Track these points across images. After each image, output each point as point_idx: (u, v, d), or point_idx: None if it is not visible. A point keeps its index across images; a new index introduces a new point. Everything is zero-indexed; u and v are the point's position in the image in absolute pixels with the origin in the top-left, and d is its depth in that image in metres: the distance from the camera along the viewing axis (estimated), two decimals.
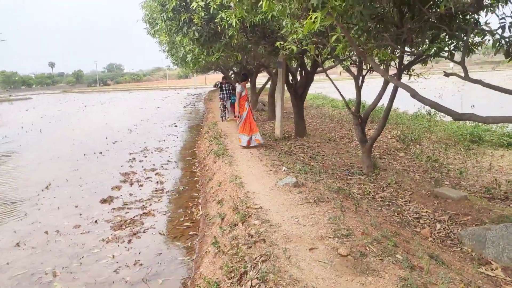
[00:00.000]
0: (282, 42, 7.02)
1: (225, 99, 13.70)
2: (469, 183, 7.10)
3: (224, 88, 13.66)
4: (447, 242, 4.48)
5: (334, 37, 5.78)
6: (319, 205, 4.70)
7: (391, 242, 3.75)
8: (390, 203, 5.77)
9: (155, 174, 8.82)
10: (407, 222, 5.01)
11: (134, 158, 10.52)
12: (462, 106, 17.37)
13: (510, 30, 4.58)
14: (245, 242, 3.73)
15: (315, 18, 5.01)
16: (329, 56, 7.55)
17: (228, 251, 3.72)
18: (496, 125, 10.63)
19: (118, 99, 38.53)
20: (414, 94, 4.27)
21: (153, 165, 9.74)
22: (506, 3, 4.83)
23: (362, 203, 5.31)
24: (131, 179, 8.45)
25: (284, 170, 6.59)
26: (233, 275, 3.27)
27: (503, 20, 4.59)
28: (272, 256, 3.37)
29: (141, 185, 8.00)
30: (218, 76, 59.70)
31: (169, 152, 11.45)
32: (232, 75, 26.94)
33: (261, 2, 4.80)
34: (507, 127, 10.42)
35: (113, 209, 6.66)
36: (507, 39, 4.69)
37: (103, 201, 7.07)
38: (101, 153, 11.47)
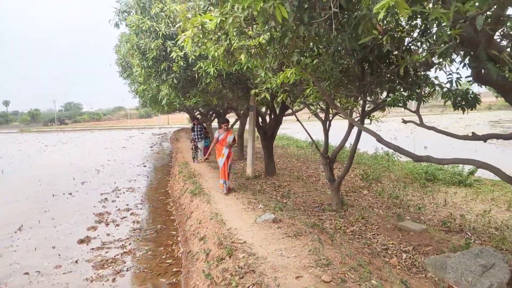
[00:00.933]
0: (257, 90, 7.67)
1: (197, 140, 13.83)
2: (427, 218, 7.79)
3: (195, 129, 13.82)
4: (413, 269, 5.00)
5: (308, 90, 6.50)
6: (298, 238, 5.12)
7: (366, 270, 4.22)
8: (360, 236, 6.28)
9: (130, 214, 8.90)
10: (376, 253, 5.51)
11: (106, 199, 10.51)
12: (415, 147, 18.76)
13: (456, 84, 5.44)
14: (236, 273, 4.06)
15: (291, 73, 5.70)
16: (299, 102, 8.25)
17: (220, 282, 4.01)
18: (448, 165, 11.68)
19: (80, 139, 37.69)
20: (380, 139, 4.93)
21: (127, 205, 9.80)
22: (451, 63, 5.72)
23: (336, 237, 5.78)
24: (106, 219, 8.47)
25: (260, 207, 7.00)
26: None
27: (450, 76, 5.45)
28: (263, 285, 3.71)
29: (118, 225, 8.06)
30: (181, 116, 60.20)
31: (141, 192, 11.53)
32: (198, 116, 27.49)
33: (241, 57, 5.35)
34: (458, 167, 11.47)
35: (92, 249, 6.70)
36: (453, 92, 5.53)
37: (81, 241, 7.08)
38: (70, 193, 11.33)
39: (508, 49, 4.37)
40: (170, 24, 7.96)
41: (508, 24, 4.17)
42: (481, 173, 11.30)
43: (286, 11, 3.38)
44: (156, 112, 30.51)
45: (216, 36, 4.54)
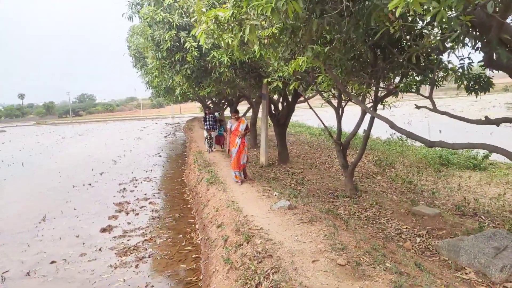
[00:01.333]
0: (269, 79, 7.75)
1: (208, 130, 13.55)
2: (441, 202, 7.85)
3: (207, 119, 13.53)
4: (426, 253, 5.12)
5: (320, 78, 6.57)
6: (313, 224, 5.26)
7: (380, 253, 4.35)
8: (374, 222, 6.40)
9: (149, 203, 9.17)
10: (390, 237, 5.63)
11: (124, 189, 10.81)
12: (429, 132, 18.61)
13: (468, 70, 5.44)
14: (255, 258, 4.23)
15: (302, 61, 5.77)
16: (312, 90, 8.32)
17: (240, 266, 4.20)
18: (462, 150, 11.63)
19: (96, 130, 38.33)
20: (392, 125, 5.00)
21: (145, 194, 10.08)
22: (464, 47, 5.71)
23: (350, 222, 5.91)
24: (126, 209, 8.76)
25: (275, 195, 7.15)
26: (249, 286, 3.75)
27: (462, 62, 5.46)
28: (281, 268, 3.88)
29: (137, 214, 8.33)
30: (192, 105, 60.55)
31: (157, 181, 11.81)
32: (211, 104, 27.66)
33: (255, 47, 5.44)
34: (471, 151, 11.41)
35: (114, 237, 6.98)
36: (466, 76, 5.54)
37: (103, 230, 7.37)
38: (90, 184, 11.68)
39: None
40: (183, 15, 8.06)
41: None
42: (496, 156, 11.22)
43: (299, 6, 3.45)
44: (168, 102, 30.82)
45: (230, 27, 4.63)
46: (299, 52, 5.16)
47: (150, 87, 18.82)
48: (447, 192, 8.59)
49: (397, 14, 2.95)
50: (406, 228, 6.07)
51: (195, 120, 38.15)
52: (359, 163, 11.49)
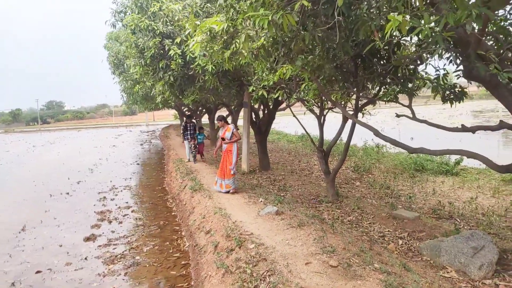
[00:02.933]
0: (254, 88, 7.94)
1: (189, 139, 12.87)
2: (418, 206, 8.21)
3: (188, 128, 12.82)
4: (409, 254, 5.38)
5: (303, 86, 6.81)
6: (302, 228, 5.43)
7: (367, 255, 4.56)
8: (357, 225, 6.64)
9: (131, 211, 9.09)
10: (374, 240, 5.87)
11: (104, 197, 10.65)
12: (400, 138, 19.27)
13: (443, 80, 5.80)
14: (249, 262, 4.35)
15: (287, 69, 5.99)
16: (295, 98, 8.55)
17: (235, 270, 4.30)
18: (436, 156, 12.16)
19: (68, 138, 37.27)
20: (377, 133, 5.26)
21: (126, 202, 9.98)
22: (441, 58, 6.08)
23: (335, 226, 6.12)
24: (108, 217, 8.65)
25: (261, 201, 7.29)
26: None
27: (437, 73, 5.81)
28: (276, 271, 4.02)
29: (121, 222, 8.25)
30: (166, 113, 59.99)
31: (138, 189, 11.71)
32: (187, 112, 27.57)
33: (246, 58, 5.59)
34: (444, 157, 11.95)
35: (99, 246, 6.89)
36: (442, 86, 5.90)
37: (87, 239, 7.27)
38: (68, 193, 11.43)
39: (495, 46, 4.76)
40: (168, 23, 8.14)
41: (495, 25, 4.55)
42: (466, 162, 11.82)
43: (294, 20, 3.64)
44: (144, 109, 30.47)
45: (223, 39, 4.78)
46: (288, 62, 5.36)
47: (127, 94, 18.66)
48: (422, 197, 8.98)
49: (386, 36, 3.20)
50: (388, 231, 6.34)
51: (170, 128, 37.85)
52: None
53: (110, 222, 8.34)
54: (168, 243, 6.94)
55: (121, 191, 11.49)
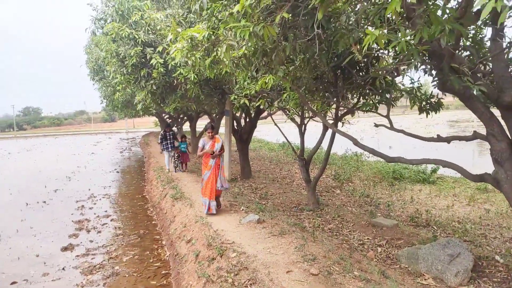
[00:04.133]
0: (236, 96, 7.98)
1: (169, 149, 12.28)
2: (396, 214, 8.37)
3: (168, 137, 12.26)
4: (388, 261, 5.47)
5: (284, 95, 6.89)
6: (283, 237, 5.47)
7: (347, 263, 4.63)
8: (338, 233, 6.72)
9: (111, 220, 8.94)
10: (354, 248, 5.95)
11: (83, 206, 10.44)
12: (379, 147, 19.68)
13: (417, 91, 5.99)
14: (231, 271, 4.34)
15: (269, 79, 6.06)
16: (276, 107, 8.63)
17: (216, 280, 4.29)
18: (413, 165, 12.43)
19: (44, 145, 36.34)
20: (356, 143, 5.37)
21: (105, 211, 9.81)
22: (417, 70, 6.27)
23: (316, 234, 6.17)
24: (86, 226, 8.49)
25: (243, 209, 7.30)
26: None
27: (411, 85, 6.00)
28: (258, 280, 4.03)
29: (99, 232, 8.10)
30: (146, 120, 59.40)
31: (117, 198, 11.52)
32: (168, 120, 27.35)
33: (227, 67, 5.63)
34: (421, 166, 12.23)
35: (77, 256, 6.76)
36: (419, 97, 6.08)
37: (64, 249, 7.11)
38: (45, 202, 11.15)
39: (467, 59, 4.95)
40: (149, 32, 8.12)
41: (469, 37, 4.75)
42: (443, 171, 12.12)
43: (274, 31, 3.71)
44: (124, 116, 30.10)
45: (204, 47, 4.81)
46: (269, 72, 5.43)
47: (107, 100, 18.41)
48: (401, 204, 9.16)
49: (364, 49, 3.30)
50: (368, 238, 6.44)
51: (150, 135, 37.44)
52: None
53: (88, 231, 8.18)
54: (148, 252, 6.86)
55: (100, 199, 11.28)
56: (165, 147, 12.29)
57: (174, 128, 16.77)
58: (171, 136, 12.34)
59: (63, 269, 6.19)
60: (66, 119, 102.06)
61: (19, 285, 5.64)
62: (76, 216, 9.38)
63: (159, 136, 12.62)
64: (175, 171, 12.39)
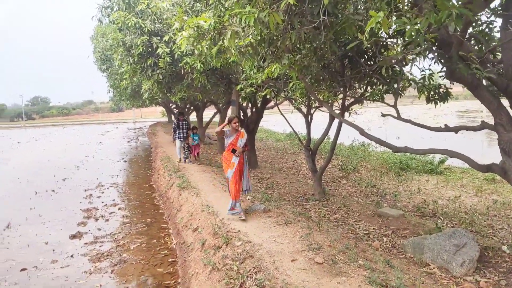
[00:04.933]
0: (242, 85, 7.96)
1: (182, 139, 11.79)
2: (403, 204, 8.34)
3: (181, 126, 11.72)
4: (393, 251, 5.47)
5: (291, 84, 6.86)
6: (289, 226, 5.49)
7: (352, 252, 4.64)
8: (343, 223, 6.72)
9: (118, 209, 9.03)
10: (359, 237, 5.96)
11: (91, 195, 10.55)
12: (387, 137, 19.56)
13: (429, 80, 5.91)
14: (236, 259, 4.38)
15: (275, 68, 6.03)
16: (283, 97, 8.60)
17: (222, 267, 4.33)
18: (420, 155, 12.36)
19: (53, 135, 36.72)
20: (362, 132, 5.34)
21: (113, 200, 9.91)
22: (425, 59, 6.19)
23: (322, 224, 6.18)
24: (94, 215, 8.58)
25: (249, 199, 7.32)
26: (233, 285, 3.89)
27: (423, 73, 5.92)
28: (263, 268, 4.06)
29: (107, 220, 8.20)
30: (154, 110, 59.65)
31: (125, 187, 11.62)
32: (175, 109, 27.38)
33: (233, 56, 5.61)
34: (428, 156, 12.16)
35: (86, 243, 6.84)
36: (427, 87, 6.01)
37: (73, 236, 7.21)
38: (53, 190, 11.29)
39: (476, 48, 4.88)
40: (156, 21, 8.10)
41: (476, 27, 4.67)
42: (450, 161, 12.05)
43: (280, 18, 3.68)
44: (131, 106, 30.23)
45: (210, 35, 4.79)
46: (275, 60, 5.40)
47: (114, 90, 18.47)
48: (407, 195, 9.12)
49: (366, 34, 3.26)
50: (373, 228, 6.43)
51: (158, 125, 37.59)
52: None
53: (96, 219, 8.28)
54: (155, 240, 6.92)
55: (108, 188, 11.39)
56: (178, 136, 11.79)
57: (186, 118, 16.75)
58: (185, 126, 11.82)
59: (72, 256, 6.28)
60: (74, 109, 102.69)
61: (29, 271, 5.74)
62: (84, 205, 9.49)
63: (173, 125, 12.21)
64: (185, 162, 12.10)
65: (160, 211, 8.80)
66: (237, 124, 6.20)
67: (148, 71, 8.65)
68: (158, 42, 8.11)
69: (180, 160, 12.22)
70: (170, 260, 6.02)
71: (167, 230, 7.47)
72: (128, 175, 13.76)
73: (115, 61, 10.36)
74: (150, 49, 8.37)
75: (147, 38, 8.17)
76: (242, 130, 6.35)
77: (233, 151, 6.20)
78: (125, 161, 17.29)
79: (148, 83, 8.97)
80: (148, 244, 6.75)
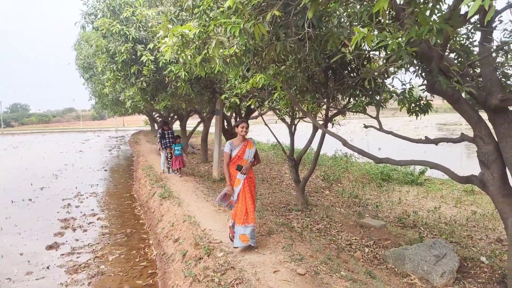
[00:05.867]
0: (227, 95, 7.95)
1: (168, 148, 11.39)
2: (384, 215, 8.42)
3: (166, 136, 11.42)
4: (375, 261, 5.49)
5: (275, 95, 6.88)
6: (271, 236, 5.45)
7: (335, 263, 4.64)
8: (326, 234, 6.72)
9: (97, 219, 8.82)
10: (342, 248, 5.96)
11: (69, 204, 10.29)
12: (369, 149, 19.82)
13: (409, 94, 6.03)
14: (217, 270, 4.31)
15: (260, 78, 6.05)
16: (267, 107, 8.61)
17: (203, 279, 4.25)
18: (401, 166, 12.53)
19: (32, 143, 35.82)
20: (345, 143, 5.38)
21: (92, 210, 9.68)
22: (406, 72, 6.32)
23: (304, 234, 6.17)
24: (72, 225, 8.36)
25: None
26: None
27: (404, 86, 6.04)
28: (244, 279, 4.00)
29: (85, 230, 7.99)
30: (136, 118, 58.99)
31: (105, 196, 11.39)
32: (158, 118, 27.12)
33: (218, 65, 5.59)
34: (409, 167, 12.35)
35: (62, 254, 6.65)
36: (408, 99, 6.13)
37: (49, 247, 6.99)
38: (30, 200, 10.97)
39: (456, 62, 5.00)
40: (141, 28, 8.05)
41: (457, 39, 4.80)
42: (430, 172, 12.27)
43: (265, 29, 3.69)
44: (114, 114, 29.83)
45: (195, 44, 4.77)
46: (260, 71, 5.41)
47: (96, 98, 18.19)
48: (389, 205, 9.22)
49: (351, 48, 3.31)
50: (355, 239, 6.46)
51: (140, 133, 37.18)
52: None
53: (74, 230, 8.07)
54: (135, 251, 6.78)
55: (87, 198, 11.14)
56: (164, 146, 11.47)
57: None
58: (170, 135, 11.46)
59: (48, 267, 6.09)
60: (55, 116, 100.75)
61: (2, 283, 5.53)
62: (62, 215, 9.24)
63: (158, 135, 11.81)
64: (168, 172, 11.68)
65: (141, 221, 8.64)
66: (245, 129, 5.00)
67: (132, 79, 8.55)
68: (143, 50, 8.04)
69: (164, 171, 11.90)
70: (150, 271, 5.89)
71: (147, 241, 7.32)
72: (108, 185, 13.49)
73: (98, 68, 10.21)
74: (134, 56, 8.30)
75: (131, 45, 8.10)
76: (251, 139, 5.22)
77: (239, 168, 4.94)
78: (105, 170, 16.98)
79: (131, 90, 8.85)
80: (128, 255, 6.60)
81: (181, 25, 7.20)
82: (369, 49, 5.95)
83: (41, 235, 7.71)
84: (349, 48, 4.32)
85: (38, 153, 25.12)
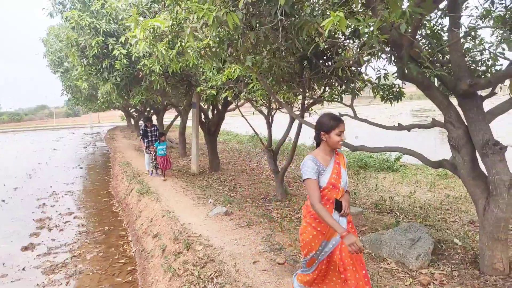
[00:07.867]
0: (202, 88, 7.87)
1: (151, 146, 10.25)
2: (362, 201, 8.56)
3: (149, 134, 10.34)
4: None
5: (251, 85, 6.86)
6: (251, 228, 5.47)
7: None
8: None
9: (74, 218, 8.64)
10: None
11: (44, 204, 10.04)
12: (345, 137, 20.07)
13: (384, 79, 6.11)
14: (197, 264, 4.30)
15: (234, 69, 6.01)
16: (243, 98, 8.59)
17: (182, 273, 4.23)
18: (377, 153, 12.77)
19: (3, 142, 34.67)
20: None
21: (68, 209, 9.47)
22: (378, 60, 6.39)
23: (283, 224, 6.21)
24: (48, 225, 8.17)
25: (210, 202, 7.25)
26: None
27: (378, 72, 6.11)
28: (224, 271, 4.01)
29: (62, 230, 7.82)
30: (112, 114, 57.71)
31: (81, 194, 11.16)
32: (134, 113, 26.64)
33: (192, 58, 5.51)
34: (385, 154, 12.58)
35: (38, 255, 6.50)
36: (381, 87, 6.22)
37: (25, 248, 6.82)
38: (3, 200, 10.63)
39: (427, 49, 5.10)
40: (111, 21, 7.84)
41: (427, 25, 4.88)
42: (405, 159, 12.52)
43: (238, 18, 3.65)
44: (88, 111, 29.13)
45: (168, 38, 4.68)
46: (236, 62, 5.37)
47: (69, 93, 17.70)
48: (366, 192, 9.37)
49: (325, 33, 3.31)
50: None
51: (116, 129, 36.49)
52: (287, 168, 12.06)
53: (50, 229, 7.88)
54: (113, 249, 6.69)
55: (62, 196, 10.89)
56: (146, 145, 10.38)
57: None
58: (155, 132, 10.42)
59: (23, 269, 5.94)
60: (27, 115, 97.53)
61: None
62: (37, 215, 9.01)
63: (140, 132, 10.71)
64: (151, 174, 10.52)
65: (119, 218, 8.52)
66: (341, 134, 3.08)
67: (104, 74, 8.34)
68: (114, 44, 7.85)
69: (148, 171, 10.78)
70: (129, 268, 5.84)
71: (126, 237, 7.24)
72: (84, 182, 13.22)
73: (71, 63, 9.91)
74: (105, 50, 8.09)
75: (103, 39, 7.88)
76: (341, 151, 3.39)
77: (337, 205, 2.89)
78: (81, 168, 16.60)
79: (106, 86, 8.64)
80: (106, 253, 6.50)
81: (153, 17, 7.08)
82: (343, 38, 6.00)
83: (15, 237, 7.51)
84: (323, 37, 4.35)
85: (11, 152, 24.33)
